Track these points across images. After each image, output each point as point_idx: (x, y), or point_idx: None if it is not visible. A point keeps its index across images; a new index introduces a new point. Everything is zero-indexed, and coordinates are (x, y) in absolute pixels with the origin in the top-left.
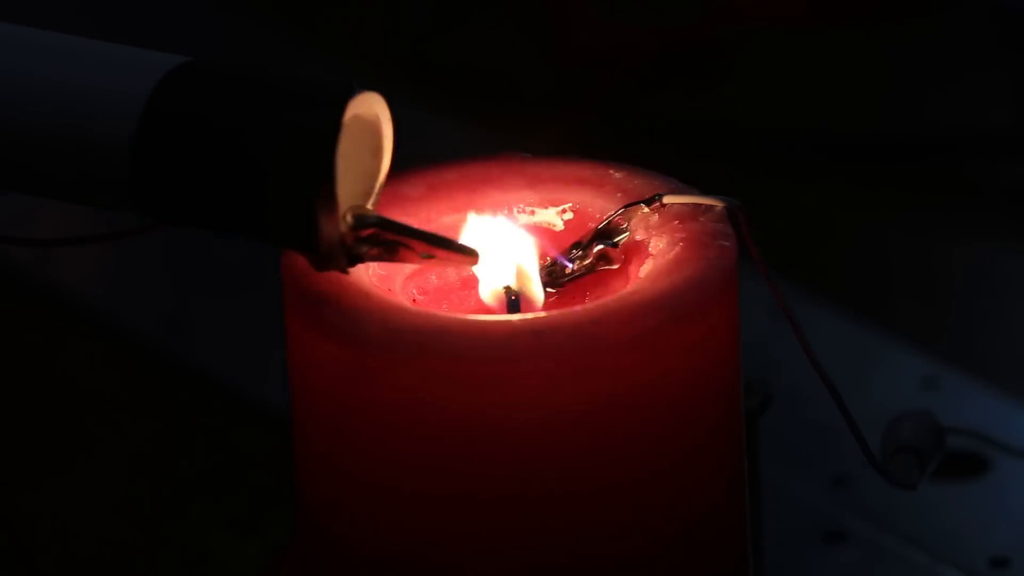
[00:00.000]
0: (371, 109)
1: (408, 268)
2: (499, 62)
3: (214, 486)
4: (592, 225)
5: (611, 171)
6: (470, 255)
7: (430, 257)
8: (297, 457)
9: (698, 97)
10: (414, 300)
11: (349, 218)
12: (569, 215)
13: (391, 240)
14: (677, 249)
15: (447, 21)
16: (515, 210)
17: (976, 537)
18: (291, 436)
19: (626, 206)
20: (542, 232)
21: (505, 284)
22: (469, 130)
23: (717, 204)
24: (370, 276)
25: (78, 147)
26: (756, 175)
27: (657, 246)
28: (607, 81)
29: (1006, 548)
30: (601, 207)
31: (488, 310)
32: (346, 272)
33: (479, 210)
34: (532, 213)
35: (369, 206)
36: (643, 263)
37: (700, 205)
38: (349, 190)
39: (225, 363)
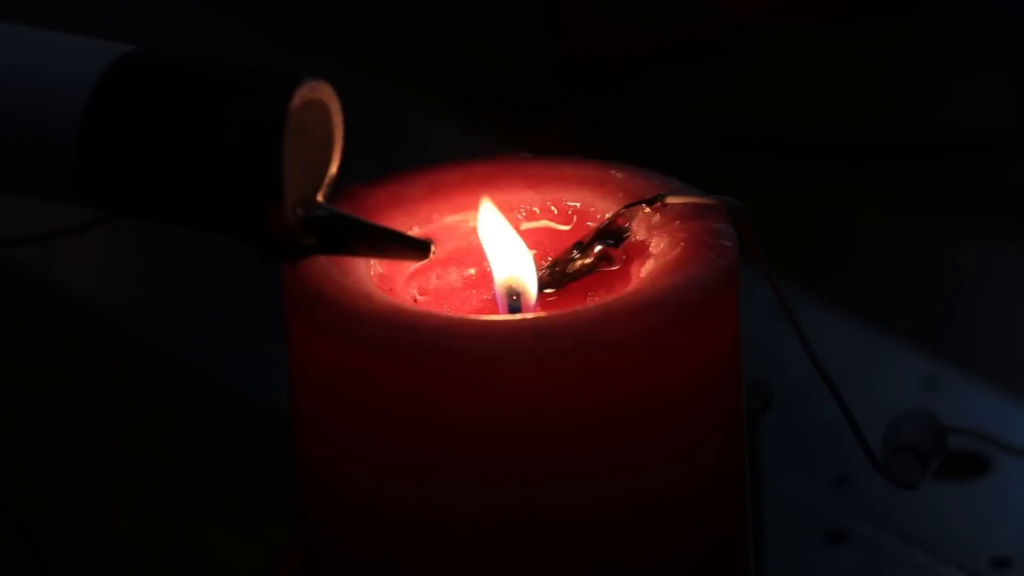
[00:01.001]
0: (320, 99)
1: (409, 268)
2: (499, 62)
3: (214, 486)
4: (593, 225)
5: (612, 171)
6: (420, 249)
7: (380, 251)
8: (297, 457)
9: (699, 97)
10: (415, 300)
11: (298, 210)
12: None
13: (340, 233)
14: (678, 249)
15: (447, 21)
16: (519, 212)
17: (977, 537)
18: (291, 436)
19: (627, 206)
20: (543, 232)
21: (507, 284)
22: (469, 130)
23: (718, 204)
24: (370, 276)
25: (22, 137)
26: (757, 175)
27: (658, 246)
28: (607, 81)
29: (1007, 548)
30: (602, 207)
31: (489, 310)
32: (295, 264)
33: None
34: (536, 214)
35: (320, 197)
36: (644, 263)
37: (701, 205)
38: (299, 181)
39: (225, 363)
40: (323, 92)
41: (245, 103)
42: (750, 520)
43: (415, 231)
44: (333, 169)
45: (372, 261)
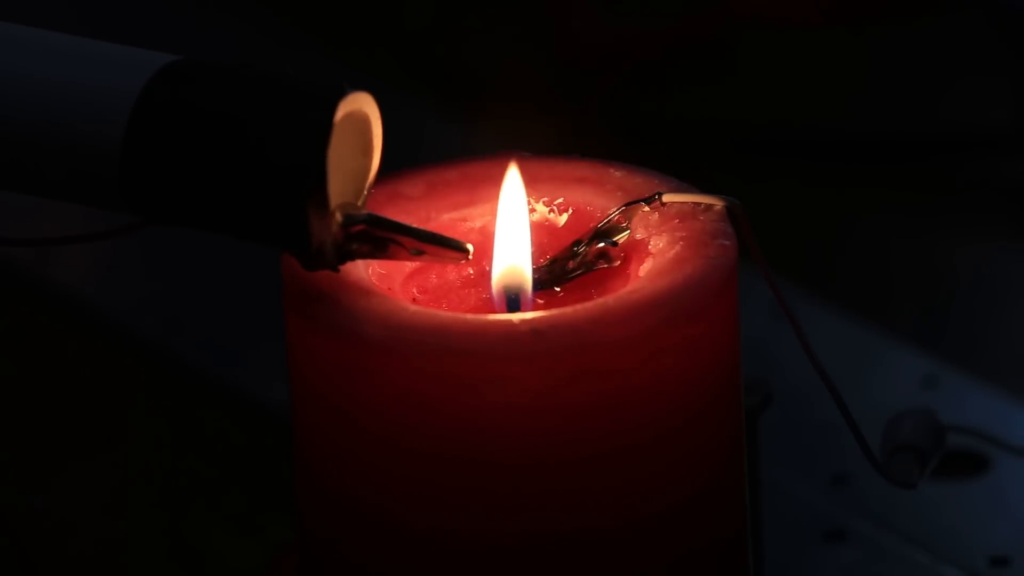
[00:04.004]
0: (361, 108)
1: (408, 267)
2: (499, 62)
3: (214, 486)
4: (592, 224)
5: (611, 170)
6: (461, 251)
7: (421, 253)
8: (297, 457)
9: (698, 96)
10: (414, 299)
11: (339, 216)
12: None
13: (381, 237)
14: (677, 248)
15: (447, 21)
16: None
17: (976, 536)
18: (291, 436)
19: (626, 205)
20: (542, 231)
21: (507, 283)
22: (469, 130)
23: (717, 203)
24: (370, 276)
25: (68, 144)
26: (756, 174)
27: (657, 245)
28: (607, 81)
29: (1006, 547)
30: (601, 206)
31: (487, 309)
32: (336, 270)
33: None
34: (532, 211)
35: (359, 204)
36: (643, 262)
37: (700, 204)
38: (339, 189)
39: (225, 363)
40: (364, 102)
41: (291, 112)
42: (749, 519)
43: None
44: (372, 177)
45: (371, 261)
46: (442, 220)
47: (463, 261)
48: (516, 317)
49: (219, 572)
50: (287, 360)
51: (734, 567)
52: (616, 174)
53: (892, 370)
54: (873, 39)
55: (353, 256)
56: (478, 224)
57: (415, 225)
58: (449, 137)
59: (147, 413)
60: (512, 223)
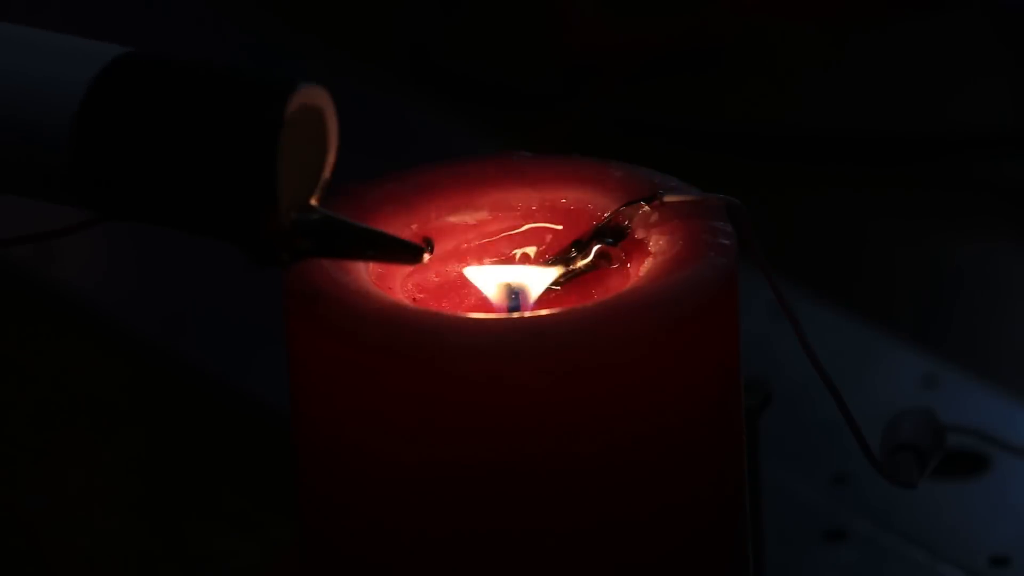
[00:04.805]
0: (315, 103)
1: (408, 267)
2: (499, 62)
3: (214, 486)
4: (592, 224)
5: (611, 170)
6: (413, 253)
7: (375, 255)
8: (297, 457)
9: (698, 96)
10: (414, 299)
11: (291, 213)
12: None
13: (335, 236)
14: (677, 248)
15: (447, 21)
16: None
17: (976, 535)
18: (291, 436)
19: (626, 204)
20: (543, 231)
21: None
22: (469, 130)
23: (717, 202)
24: (369, 275)
25: (15, 137)
26: (756, 174)
27: (657, 244)
28: (607, 81)
29: (1006, 546)
30: (601, 205)
31: (487, 308)
32: (286, 267)
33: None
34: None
35: (314, 201)
36: (643, 262)
37: (700, 204)
38: (293, 184)
39: (225, 363)
40: (319, 97)
41: (241, 106)
42: (749, 518)
43: (414, 229)
44: (327, 173)
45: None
46: (441, 220)
47: (417, 264)
48: (516, 317)
49: (219, 572)
50: (287, 360)
51: (734, 567)
52: (616, 174)
53: (892, 370)
54: (873, 39)
55: (305, 255)
56: (475, 223)
57: (414, 224)
58: (449, 137)
59: (147, 413)
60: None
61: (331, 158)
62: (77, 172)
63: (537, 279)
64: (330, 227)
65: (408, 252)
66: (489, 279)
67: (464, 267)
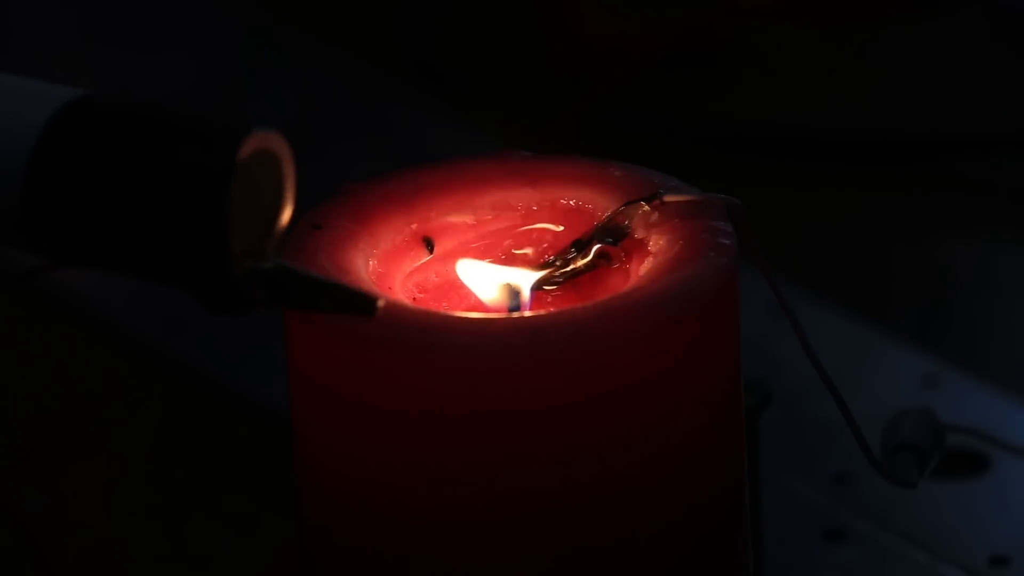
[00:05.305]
0: (272, 148)
1: (408, 266)
2: (499, 62)
3: (214, 486)
4: (592, 223)
5: (611, 169)
6: (365, 307)
7: (327, 309)
8: (297, 457)
9: (698, 96)
10: (414, 298)
11: (246, 261)
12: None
13: (287, 287)
14: (677, 247)
15: (448, 21)
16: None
17: (976, 535)
18: (291, 436)
19: (626, 204)
20: (543, 231)
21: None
22: (469, 129)
23: (717, 202)
24: (370, 275)
25: None
26: (756, 174)
27: (657, 244)
28: (607, 81)
29: (1006, 546)
30: (601, 205)
31: (488, 309)
32: (239, 315)
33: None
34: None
35: (271, 248)
36: (643, 261)
37: (700, 203)
38: (248, 231)
39: (225, 363)
40: (274, 142)
41: (192, 152)
42: (749, 518)
43: (413, 228)
44: (283, 221)
45: (371, 260)
46: (441, 220)
47: (369, 318)
48: (516, 316)
49: (220, 572)
50: (287, 360)
51: (734, 567)
52: (616, 173)
53: (892, 370)
54: (873, 39)
55: (257, 305)
56: (475, 223)
57: (415, 223)
58: (449, 137)
59: (147, 413)
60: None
61: (288, 206)
62: (27, 217)
63: (525, 280)
64: (284, 277)
65: (361, 305)
66: (480, 277)
67: (459, 261)
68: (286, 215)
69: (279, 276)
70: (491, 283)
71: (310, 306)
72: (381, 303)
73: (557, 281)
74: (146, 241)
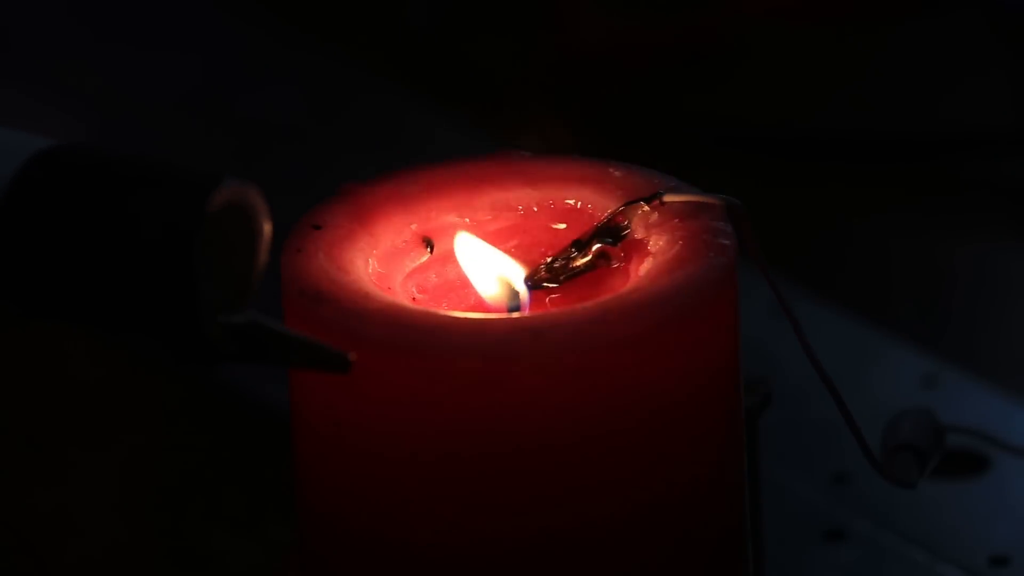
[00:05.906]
0: (245, 201)
1: (408, 266)
2: (499, 62)
3: (214, 486)
4: (592, 223)
5: (611, 169)
6: (340, 364)
7: (299, 362)
8: (297, 457)
9: (698, 96)
10: (414, 299)
11: (218, 315)
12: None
13: (259, 341)
14: (677, 248)
15: (447, 20)
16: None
17: (976, 535)
18: (291, 436)
19: (626, 204)
20: (542, 231)
21: (504, 283)
22: (469, 130)
23: (717, 202)
24: (370, 275)
25: None
26: (756, 174)
27: (657, 244)
28: (606, 80)
29: (1006, 546)
30: (601, 205)
31: (488, 309)
32: (210, 367)
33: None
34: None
35: (245, 299)
36: (643, 262)
37: (700, 203)
38: (220, 284)
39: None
40: (246, 194)
41: (160, 207)
42: (749, 518)
43: (413, 229)
44: (258, 273)
45: (371, 259)
46: (441, 220)
47: (343, 374)
48: (516, 317)
49: (219, 572)
50: None
51: (734, 566)
52: (615, 173)
53: (892, 369)
54: (873, 39)
55: (229, 358)
56: (475, 223)
57: (414, 223)
58: (449, 137)
59: (147, 413)
60: (482, 256)
61: (262, 258)
62: None
63: (519, 275)
64: (256, 332)
65: (334, 363)
66: (476, 261)
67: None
68: (259, 267)
69: (252, 331)
70: (487, 270)
71: (282, 362)
72: (352, 357)
73: (557, 281)
74: (115, 297)
